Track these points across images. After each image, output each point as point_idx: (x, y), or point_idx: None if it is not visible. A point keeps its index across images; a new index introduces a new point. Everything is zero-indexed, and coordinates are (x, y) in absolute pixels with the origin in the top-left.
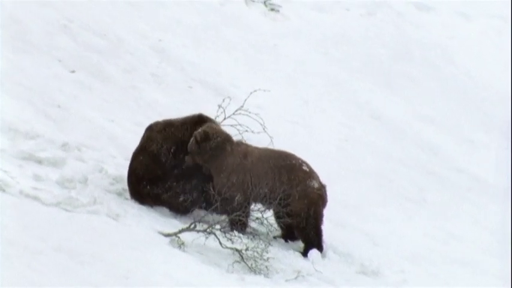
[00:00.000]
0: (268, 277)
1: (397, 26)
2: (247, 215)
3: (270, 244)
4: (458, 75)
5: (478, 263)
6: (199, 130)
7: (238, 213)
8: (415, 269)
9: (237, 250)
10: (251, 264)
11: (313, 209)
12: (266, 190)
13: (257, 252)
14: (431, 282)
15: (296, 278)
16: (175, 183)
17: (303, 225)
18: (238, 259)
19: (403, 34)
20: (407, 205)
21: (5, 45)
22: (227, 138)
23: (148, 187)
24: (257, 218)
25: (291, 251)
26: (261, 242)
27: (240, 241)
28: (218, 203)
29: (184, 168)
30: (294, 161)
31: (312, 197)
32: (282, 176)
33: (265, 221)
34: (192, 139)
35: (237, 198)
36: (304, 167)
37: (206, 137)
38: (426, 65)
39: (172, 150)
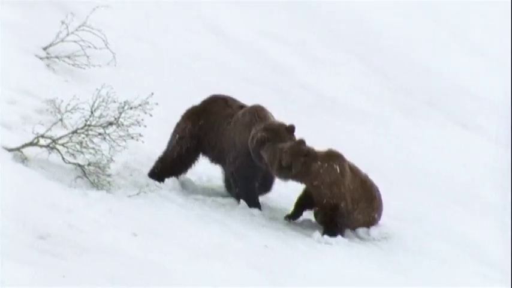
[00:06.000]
0: (110, 192)
1: None
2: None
3: (112, 160)
4: None
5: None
6: (284, 153)
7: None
8: None
9: (79, 165)
10: (93, 180)
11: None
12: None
13: (99, 168)
14: None
15: (138, 194)
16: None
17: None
18: (80, 174)
19: None
20: None
21: None
22: (312, 158)
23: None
24: (100, 134)
25: (134, 169)
26: (103, 157)
27: (83, 157)
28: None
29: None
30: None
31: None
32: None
33: (107, 137)
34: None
35: (342, 204)
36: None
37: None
38: None
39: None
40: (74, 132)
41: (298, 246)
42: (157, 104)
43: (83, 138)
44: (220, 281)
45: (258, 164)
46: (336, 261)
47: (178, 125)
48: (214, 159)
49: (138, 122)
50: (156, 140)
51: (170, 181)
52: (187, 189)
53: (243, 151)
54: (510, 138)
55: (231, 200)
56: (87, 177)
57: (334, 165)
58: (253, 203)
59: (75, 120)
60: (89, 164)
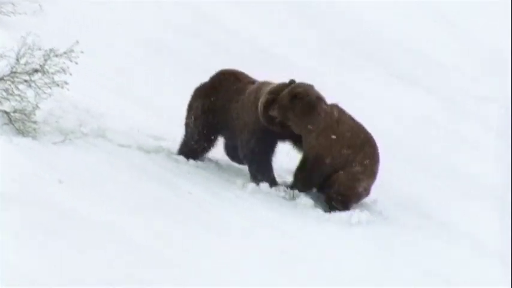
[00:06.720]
0: (36, 139)
1: None
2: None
3: (37, 107)
4: None
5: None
6: (294, 87)
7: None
8: None
9: (5, 112)
10: (19, 127)
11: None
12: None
13: (25, 115)
14: None
15: (63, 141)
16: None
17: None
18: (6, 121)
19: None
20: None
21: None
22: (319, 98)
23: None
24: (25, 81)
25: (60, 116)
26: (29, 104)
27: (9, 104)
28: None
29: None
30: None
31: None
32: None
33: (33, 84)
34: (284, 93)
35: (327, 160)
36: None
37: (299, 94)
38: None
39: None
40: (0, 79)
41: (221, 193)
42: (82, 52)
43: (9, 85)
44: (143, 227)
45: (269, 126)
46: (256, 208)
47: (190, 106)
48: (228, 138)
49: (64, 70)
50: (82, 87)
51: (95, 127)
52: (112, 136)
53: (255, 130)
54: (510, 132)
55: (156, 147)
56: (13, 124)
57: (334, 111)
58: (271, 181)
59: (1, 67)
60: (14, 111)
